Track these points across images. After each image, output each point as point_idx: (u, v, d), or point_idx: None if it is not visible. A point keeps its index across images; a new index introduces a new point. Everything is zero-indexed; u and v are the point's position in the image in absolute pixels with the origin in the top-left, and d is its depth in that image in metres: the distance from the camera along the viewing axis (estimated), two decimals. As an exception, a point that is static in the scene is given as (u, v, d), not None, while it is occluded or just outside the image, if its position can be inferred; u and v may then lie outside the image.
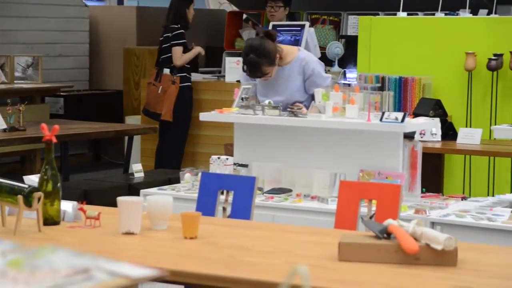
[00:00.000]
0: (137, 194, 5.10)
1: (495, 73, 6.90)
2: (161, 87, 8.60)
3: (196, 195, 4.41)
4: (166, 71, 8.61)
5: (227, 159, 5.14)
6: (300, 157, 5.13)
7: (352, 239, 3.15)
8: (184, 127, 8.69)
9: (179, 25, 8.61)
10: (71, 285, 1.99)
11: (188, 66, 8.73)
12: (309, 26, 7.65)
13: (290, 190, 5.07)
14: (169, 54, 8.62)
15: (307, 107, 5.20)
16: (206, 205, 4.25)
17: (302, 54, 5.73)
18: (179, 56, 8.59)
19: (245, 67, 5.54)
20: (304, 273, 1.71)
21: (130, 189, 6.77)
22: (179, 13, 8.63)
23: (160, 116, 8.60)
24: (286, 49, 5.70)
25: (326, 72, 5.94)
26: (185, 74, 8.67)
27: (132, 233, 3.46)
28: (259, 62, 5.46)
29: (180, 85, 8.60)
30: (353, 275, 2.94)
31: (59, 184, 3.57)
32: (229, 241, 3.42)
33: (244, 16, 10.57)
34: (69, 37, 10.60)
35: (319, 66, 5.73)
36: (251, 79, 5.66)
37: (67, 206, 3.68)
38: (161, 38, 8.74)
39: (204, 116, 5.40)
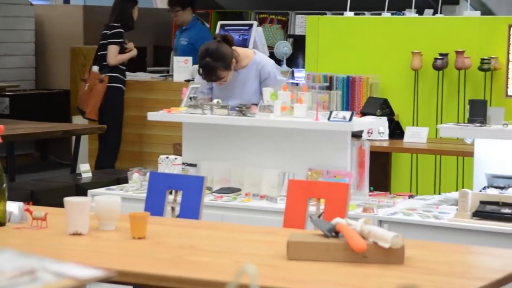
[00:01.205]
0: (85, 194, 5.06)
1: (440, 72, 6.97)
2: (87, 84, 8.38)
3: (144, 195, 4.39)
4: (95, 69, 8.39)
5: (175, 158, 5.12)
6: (249, 156, 5.13)
7: (301, 238, 3.16)
8: (114, 128, 8.47)
9: (119, 24, 8.49)
10: (17, 286, 1.97)
11: (124, 67, 8.50)
12: (257, 26, 7.67)
13: (239, 190, 5.07)
14: (105, 52, 8.45)
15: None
16: (154, 205, 4.23)
17: (258, 58, 5.75)
18: (114, 56, 8.39)
19: (200, 70, 5.54)
20: (252, 272, 1.71)
21: (78, 190, 6.71)
22: (122, 13, 8.51)
23: (85, 113, 8.41)
24: (242, 52, 5.72)
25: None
26: (117, 74, 8.42)
27: (79, 234, 3.43)
28: (214, 66, 5.47)
29: (109, 84, 8.35)
30: (301, 274, 2.94)
31: (4, 185, 3.52)
32: (177, 241, 3.41)
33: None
34: (15, 36, 10.48)
35: (275, 69, 5.76)
36: (208, 83, 5.67)
37: (13, 207, 3.64)
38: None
39: (152, 116, 5.37)
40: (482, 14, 7.30)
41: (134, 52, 8.57)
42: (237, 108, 5.15)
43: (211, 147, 5.23)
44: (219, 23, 7.86)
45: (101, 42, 8.51)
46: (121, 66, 8.49)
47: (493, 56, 6.74)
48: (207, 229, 3.71)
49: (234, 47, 5.63)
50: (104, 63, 8.43)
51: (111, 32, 8.45)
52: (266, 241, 3.43)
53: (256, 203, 4.92)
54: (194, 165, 5.18)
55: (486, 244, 4.25)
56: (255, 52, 5.88)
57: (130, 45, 8.54)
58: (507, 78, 6.37)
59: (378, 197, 5.07)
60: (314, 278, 2.91)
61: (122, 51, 8.47)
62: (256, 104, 5.51)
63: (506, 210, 4.42)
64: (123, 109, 8.54)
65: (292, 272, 2.97)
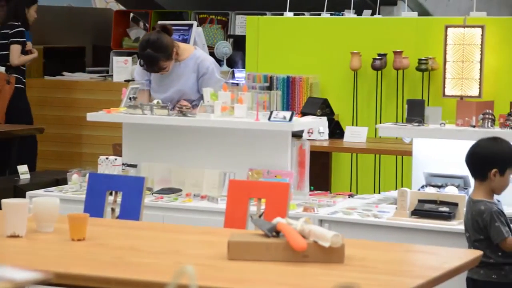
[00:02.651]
0: (23, 196, 5.00)
1: (379, 72, 7.03)
2: None
3: (84, 196, 4.35)
4: (1, 69, 8.09)
5: (115, 159, 5.09)
6: (190, 156, 5.12)
7: (241, 238, 3.16)
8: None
9: (19, 23, 8.17)
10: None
11: (24, 68, 8.25)
12: (197, 26, 7.65)
13: (180, 190, 5.06)
14: (6, 52, 8.15)
15: (198, 107, 5.20)
16: (94, 206, 4.20)
17: (198, 52, 5.75)
18: (17, 56, 8.10)
19: (141, 61, 5.52)
20: (191, 272, 1.70)
21: (16, 191, 6.62)
22: (18, 11, 8.25)
23: None
24: (183, 46, 5.71)
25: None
26: (20, 76, 8.17)
27: (17, 236, 3.39)
28: (156, 57, 5.45)
29: (16, 85, 8.08)
30: (242, 274, 2.94)
31: None
32: (117, 242, 3.38)
33: (132, 15, 10.48)
34: None
35: (214, 67, 5.75)
36: (146, 74, 5.64)
37: (-51, 209, 3.58)
38: None
39: (91, 116, 5.32)
40: (419, 15, 7.38)
41: (36, 54, 8.34)
42: (177, 108, 5.14)
43: (152, 148, 5.20)
44: (159, 23, 7.82)
45: (1, 41, 8.24)
46: (22, 67, 8.24)
47: (430, 57, 6.83)
48: (148, 230, 3.69)
49: (175, 42, 5.62)
50: (8, 63, 8.17)
51: (12, 31, 8.17)
52: (207, 242, 3.42)
53: (197, 203, 4.91)
54: (134, 166, 5.15)
55: (425, 242, 4.30)
56: (195, 47, 5.88)
57: (30, 45, 8.31)
58: (444, 78, 6.45)
59: (318, 197, 5.09)
60: (254, 278, 2.91)
61: (23, 51, 8.20)
62: (190, 101, 5.51)
63: (443, 209, 4.47)
64: (30, 109, 8.31)
65: (233, 272, 2.97)
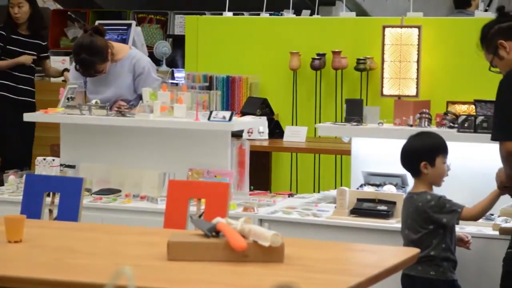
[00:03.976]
0: (-41, 198, 4.92)
1: (318, 72, 7.07)
2: None
3: (20, 198, 4.30)
4: None
5: (53, 160, 5.03)
6: (129, 157, 5.09)
7: (181, 238, 3.15)
8: None
9: None
10: None
11: None
12: (136, 25, 7.60)
13: (119, 191, 5.03)
14: None
15: (135, 107, 5.18)
16: (31, 208, 4.15)
17: (133, 52, 5.70)
18: None
19: (77, 66, 5.46)
20: (129, 273, 1.69)
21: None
22: None
23: None
24: (117, 46, 5.66)
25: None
26: None
27: (-48, 239, 3.33)
28: (92, 61, 5.39)
29: None
30: (182, 274, 2.94)
31: None
32: (55, 244, 3.35)
33: (69, 14, 10.37)
34: None
35: (150, 66, 5.71)
36: (81, 76, 5.58)
37: None
38: None
39: (28, 117, 5.26)
40: (357, 15, 7.44)
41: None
42: (116, 109, 5.10)
43: (90, 148, 5.16)
44: (97, 22, 7.75)
45: None
46: None
47: (368, 56, 6.88)
48: (86, 231, 3.65)
49: (109, 42, 5.57)
50: None
51: None
52: (146, 242, 3.41)
53: (136, 204, 4.89)
54: (72, 167, 5.11)
55: (363, 241, 4.34)
56: (130, 47, 5.84)
57: None
58: (382, 78, 6.51)
59: (258, 196, 5.11)
60: (194, 278, 2.90)
61: None
62: (127, 101, 5.47)
63: (382, 207, 4.52)
64: None
65: (172, 272, 2.96)
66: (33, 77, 8.09)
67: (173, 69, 8.54)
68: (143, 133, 5.07)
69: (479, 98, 4.71)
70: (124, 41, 7.12)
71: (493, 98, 4.23)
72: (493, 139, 3.92)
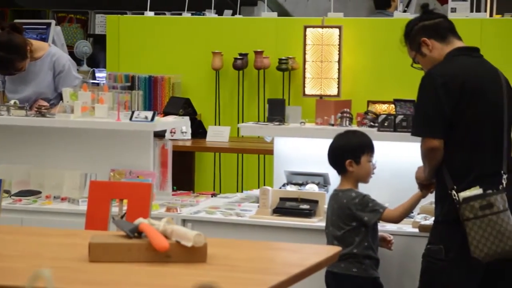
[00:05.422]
0: None
1: (241, 72, 7.08)
2: None
3: None
4: None
5: (-29, 162, 4.94)
6: (50, 158, 5.03)
7: (103, 239, 3.12)
8: None
9: None
10: None
11: None
12: (56, 25, 7.51)
13: (39, 192, 4.96)
14: None
15: (56, 106, 5.12)
16: (-52, 211, 4.06)
17: (53, 50, 5.64)
18: None
19: None
20: (47, 276, 1.67)
21: None
22: None
23: None
24: (36, 43, 5.59)
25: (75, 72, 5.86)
26: None
27: None
28: (10, 59, 5.31)
29: None
30: (104, 276, 2.91)
31: None
32: (-27, 247, 3.28)
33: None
34: None
35: (71, 64, 5.65)
36: (1, 76, 5.49)
37: None
38: None
39: None
40: (279, 15, 7.47)
41: None
42: (36, 109, 5.03)
43: (9, 149, 5.08)
44: (15, 21, 7.64)
45: None
46: None
47: (290, 56, 6.92)
48: (5, 233, 3.59)
49: (28, 40, 5.49)
50: None
51: None
52: (67, 244, 3.36)
53: (57, 205, 4.83)
54: (-9, 168, 5.02)
55: (286, 240, 4.36)
56: (50, 45, 5.77)
57: None
58: (304, 78, 6.56)
59: (181, 197, 5.09)
60: (116, 280, 2.88)
61: None
62: (48, 99, 5.41)
63: (304, 206, 4.55)
64: None
65: (94, 274, 2.93)
66: None
67: (94, 69, 8.46)
68: (64, 133, 5.01)
69: (398, 97, 4.78)
70: (44, 40, 7.03)
71: (413, 97, 4.30)
72: (414, 134, 3.98)
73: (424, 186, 4.12)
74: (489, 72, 4.00)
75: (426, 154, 3.91)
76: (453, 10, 6.75)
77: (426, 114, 3.90)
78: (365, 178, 4.31)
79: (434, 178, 4.00)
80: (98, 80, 8.27)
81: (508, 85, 4.00)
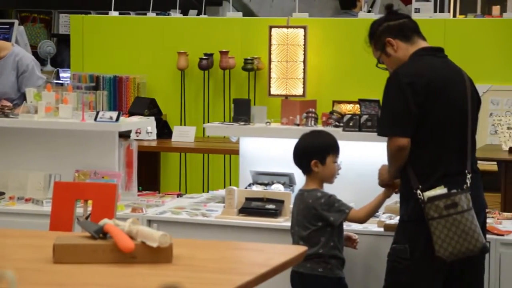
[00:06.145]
0: None
1: (206, 72, 7.07)
2: None
3: None
4: None
5: None
6: (13, 158, 4.99)
7: (67, 241, 3.10)
8: None
9: None
10: None
11: None
12: (19, 24, 7.46)
13: (3, 193, 4.93)
14: None
15: (19, 106, 5.08)
16: None
17: (17, 50, 5.60)
18: None
19: None
20: (11, 277, 1.65)
21: None
22: None
23: None
24: None
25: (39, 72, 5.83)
26: None
27: None
28: None
29: None
30: (69, 277, 2.89)
31: None
32: None
33: None
34: None
35: (34, 64, 5.62)
36: None
37: None
38: None
39: None
40: (244, 15, 7.48)
41: None
42: (-1, 109, 5.00)
43: (-28, 150, 5.03)
44: (-21, 21, 7.57)
45: None
46: None
47: (256, 57, 6.93)
48: (-32, 235, 3.55)
49: None
50: None
51: None
52: (31, 245, 3.34)
53: (21, 206, 4.79)
54: (-46, 169, 4.97)
55: (252, 240, 4.36)
56: (13, 45, 5.73)
57: None
58: (270, 77, 6.56)
59: (147, 197, 5.08)
60: (81, 281, 2.86)
61: None
62: (11, 100, 5.37)
63: (270, 206, 4.55)
64: None
65: (59, 275, 2.91)
66: None
67: (58, 69, 8.41)
68: (28, 134, 4.97)
69: (363, 97, 4.80)
70: (7, 40, 6.98)
71: (378, 97, 4.32)
72: (381, 134, 3.98)
73: (387, 185, 4.14)
74: (454, 72, 4.03)
75: (394, 153, 3.91)
76: (417, 10, 6.80)
77: (393, 114, 3.91)
78: (330, 179, 4.32)
79: (397, 177, 4.01)
80: (62, 80, 8.22)
81: (472, 85, 4.03)
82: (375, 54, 4.10)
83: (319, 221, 4.20)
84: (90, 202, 4.11)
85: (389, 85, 3.94)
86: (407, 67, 3.96)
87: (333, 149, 4.32)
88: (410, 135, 3.87)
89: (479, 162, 4.09)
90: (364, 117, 4.62)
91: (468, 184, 3.87)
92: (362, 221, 4.27)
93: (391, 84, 3.93)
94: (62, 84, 7.88)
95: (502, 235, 4.27)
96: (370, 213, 4.25)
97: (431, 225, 3.79)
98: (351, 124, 4.65)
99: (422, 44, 4.04)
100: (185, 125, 7.03)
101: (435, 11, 6.89)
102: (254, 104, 6.42)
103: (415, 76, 3.89)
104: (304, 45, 6.53)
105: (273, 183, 4.83)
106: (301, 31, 6.54)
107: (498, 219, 4.57)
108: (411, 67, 3.95)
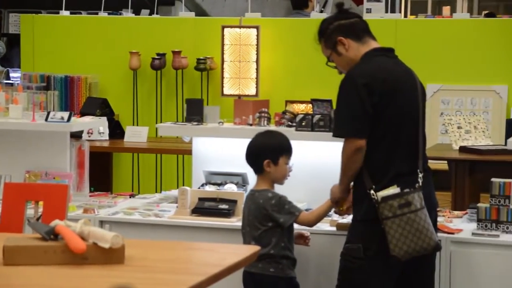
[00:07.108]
0: None
1: (159, 72, 7.05)
2: None
3: None
4: None
5: None
6: (-38, 160, 4.92)
7: (18, 242, 3.07)
8: None
9: None
10: None
11: None
12: (-32, 24, 7.37)
13: (-48, 195, 4.85)
14: None
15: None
16: None
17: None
18: None
19: None
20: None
21: None
22: None
23: None
24: None
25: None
26: None
27: None
28: None
29: None
30: (19, 279, 2.86)
31: None
32: None
33: None
34: None
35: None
36: None
37: None
38: None
39: None
40: (196, 15, 7.47)
41: None
42: None
43: None
44: None
45: None
46: None
47: (208, 56, 6.92)
48: None
49: None
50: None
51: None
52: (-19, 248, 3.29)
53: (-30, 208, 4.72)
54: None
55: (206, 240, 4.36)
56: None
57: None
58: (222, 77, 6.56)
59: (99, 198, 5.04)
60: (32, 283, 2.84)
61: None
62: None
63: (223, 206, 4.55)
64: None
65: (9, 278, 2.88)
66: None
67: (8, 69, 8.32)
68: (-23, 135, 4.91)
69: (316, 97, 4.81)
70: (-44, 40, 6.89)
71: (330, 97, 4.32)
72: (338, 135, 3.95)
73: (337, 204, 4.13)
74: (405, 73, 4.05)
75: (351, 155, 3.89)
76: (368, 10, 6.84)
77: (349, 115, 3.89)
78: (280, 180, 4.32)
79: (348, 191, 4.01)
80: (12, 80, 8.14)
81: (421, 86, 4.06)
82: (325, 52, 4.09)
83: (269, 221, 4.20)
84: (41, 203, 4.07)
85: (344, 86, 3.93)
86: (362, 68, 3.95)
87: (287, 150, 4.32)
88: (367, 136, 3.87)
89: (430, 161, 4.12)
90: (317, 116, 4.64)
91: (420, 183, 3.90)
92: (311, 224, 4.27)
93: (347, 85, 3.92)
94: (12, 84, 7.81)
95: (453, 233, 4.32)
96: (320, 216, 4.25)
97: (385, 225, 3.81)
98: (303, 123, 4.66)
99: (373, 44, 4.05)
100: (137, 125, 7.00)
101: (386, 11, 6.94)
102: (207, 104, 6.41)
103: (370, 77, 3.89)
104: (257, 45, 6.54)
105: (226, 183, 4.82)
106: (254, 31, 6.54)
107: (448, 217, 4.62)
108: (366, 68, 3.95)
